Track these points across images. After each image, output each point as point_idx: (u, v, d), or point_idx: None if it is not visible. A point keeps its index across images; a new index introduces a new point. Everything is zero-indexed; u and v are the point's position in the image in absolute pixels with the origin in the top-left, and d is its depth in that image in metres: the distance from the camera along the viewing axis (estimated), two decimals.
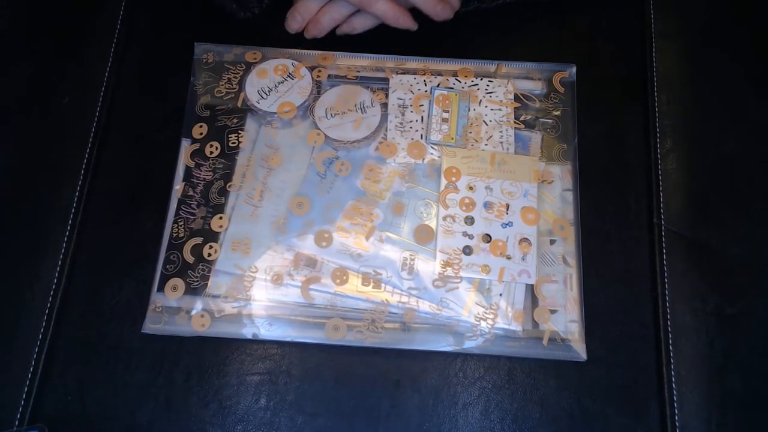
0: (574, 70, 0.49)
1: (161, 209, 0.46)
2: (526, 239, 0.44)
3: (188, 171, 0.47)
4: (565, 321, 0.43)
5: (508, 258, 0.44)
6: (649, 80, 0.50)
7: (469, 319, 0.42)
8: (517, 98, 0.48)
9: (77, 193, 0.47)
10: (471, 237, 0.44)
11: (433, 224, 0.45)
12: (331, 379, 0.42)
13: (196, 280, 0.43)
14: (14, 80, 0.50)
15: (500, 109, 0.48)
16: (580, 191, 0.46)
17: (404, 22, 0.48)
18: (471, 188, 0.45)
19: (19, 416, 0.41)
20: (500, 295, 0.43)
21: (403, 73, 0.49)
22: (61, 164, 0.48)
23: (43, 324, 0.43)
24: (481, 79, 0.49)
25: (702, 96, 0.49)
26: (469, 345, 0.42)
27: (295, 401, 0.42)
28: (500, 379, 0.42)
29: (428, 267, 0.44)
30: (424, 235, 0.44)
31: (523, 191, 0.45)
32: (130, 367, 0.42)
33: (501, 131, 0.47)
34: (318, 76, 0.49)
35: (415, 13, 0.48)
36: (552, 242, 0.45)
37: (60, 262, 0.45)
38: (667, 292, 0.44)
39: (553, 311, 0.43)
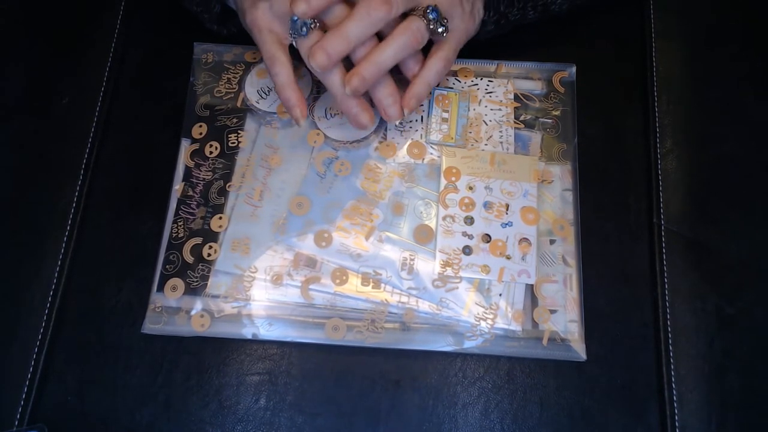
0: (574, 70, 0.49)
1: (161, 209, 0.46)
2: (525, 239, 0.44)
3: (188, 171, 0.47)
4: (565, 321, 0.43)
5: (508, 258, 0.44)
6: (649, 80, 0.50)
7: (468, 319, 0.42)
8: (516, 98, 0.48)
9: (77, 193, 0.47)
10: (471, 237, 0.44)
11: (432, 224, 0.45)
12: (331, 379, 0.42)
13: (195, 280, 0.43)
14: (14, 80, 0.50)
15: (500, 109, 0.48)
16: (579, 191, 0.46)
17: (363, 119, 0.42)
18: (471, 188, 0.45)
19: (19, 416, 0.41)
20: (500, 295, 0.43)
21: None
22: (61, 164, 0.48)
23: (43, 324, 0.43)
24: (481, 79, 0.49)
25: (702, 96, 0.49)
26: (469, 345, 0.42)
27: (294, 401, 0.42)
28: (500, 379, 0.42)
29: (428, 267, 0.43)
30: (424, 235, 0.44)
31: (523, 191, 0.45)
32: (129, 367, 0.42)
33: (501, 131, 0.47)
34: None
35: None
36: (552, 242, 0.45)
37: (60, 262, 0.45)
38: (667, 292, 0.44)
39: (552, 311, 0.43)
